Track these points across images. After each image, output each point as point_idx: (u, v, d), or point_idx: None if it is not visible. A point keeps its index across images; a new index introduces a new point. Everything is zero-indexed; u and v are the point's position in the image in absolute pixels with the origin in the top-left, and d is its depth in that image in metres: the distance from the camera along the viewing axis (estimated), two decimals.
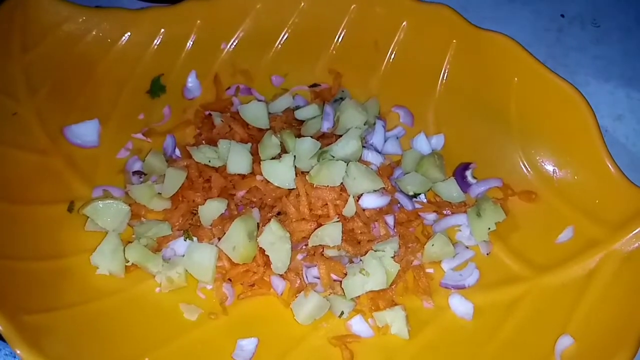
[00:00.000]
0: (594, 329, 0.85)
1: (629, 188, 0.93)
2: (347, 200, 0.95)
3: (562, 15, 1.37)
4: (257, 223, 0.94)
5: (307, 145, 0.97)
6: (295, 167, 0.96)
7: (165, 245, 0.96)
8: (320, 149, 0.98)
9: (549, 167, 1.01)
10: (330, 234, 0.92)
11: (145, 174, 1.03)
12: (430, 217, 1.01)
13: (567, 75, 1.01)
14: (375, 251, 0.91)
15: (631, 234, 0.90)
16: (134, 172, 1.03)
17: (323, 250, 0.94)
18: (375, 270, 0.88)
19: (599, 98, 1.19)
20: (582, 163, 0.98)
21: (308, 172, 0.96)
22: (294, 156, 0.97)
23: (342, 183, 0.95)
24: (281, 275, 0.93)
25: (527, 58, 1.02)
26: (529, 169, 1.03)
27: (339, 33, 1.16)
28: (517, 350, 0.87)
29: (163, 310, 0.91)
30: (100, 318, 0.88)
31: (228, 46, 1.16)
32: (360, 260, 0.92)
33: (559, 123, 1.00)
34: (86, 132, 1.06)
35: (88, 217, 0.96)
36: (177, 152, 1.07)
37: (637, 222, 0.90)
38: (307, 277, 0.94)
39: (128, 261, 0.93)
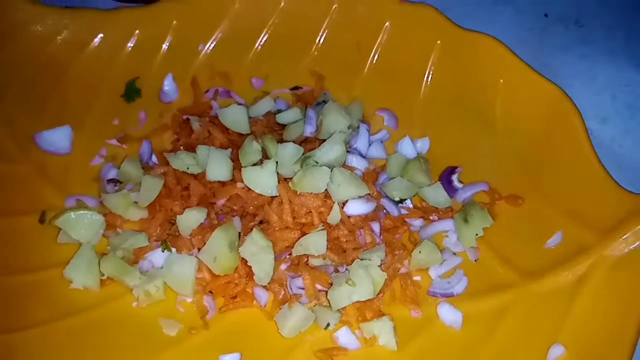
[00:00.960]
0: (586, 337, 0.83)
1: (618, 191, 0.91)
2: (331, 208, 0.92)
3: (546, 15, 1.35)
4: (239, 232, 0.91)
5: (289, 151, 0.94)
6: (278, 173, 0.92)
7: (143, 257, 0.92)
8: (303, 154, 0.95)
9: (536, 170, 0.99)
10: (314, 243, 0.89)
11: (120, 182, 0.99)
12: (417, 223, 0.99)
13: (551, 76, 1.00)
14: (361, 260, 0.88)
15: (621, 239, 0.88)
16: (109, 180, 0.99)
17: (307, 260, 0.91)
18: (362, 280, 0.86)
19: (583, 99, 1.16)
20: (569, 166, 0.96)
21: (291, 178, 0.92)
22: (276, 162, 0.93)
23: (326, 190, 0.92)
24: (264, 287, 0.90)
25: (513, 59, 1.01)
26: (515, 172, 1.01)
27: (320, 34, 1.13)
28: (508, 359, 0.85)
29: (141, 326, 0.87)
30: (73, 335, 0.84)
31: (206, 48, 1.13)
32: (346, 269, 0.89)
33: (545, 125, 0.99)
34: (58, 138, 1.02)
35: (60, 228, 0.92)
36: (154, 158, 1.03)
37: (627, 227, 0.88)
38: (291, 287, 0.90)
39: (103, 274, 0.89)
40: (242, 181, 0.93)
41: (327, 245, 0.89)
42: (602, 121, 1.19)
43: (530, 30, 1.33)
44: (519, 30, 1.32)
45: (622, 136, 1.18)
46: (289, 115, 1.04)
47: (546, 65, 1.25)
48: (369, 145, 1.04)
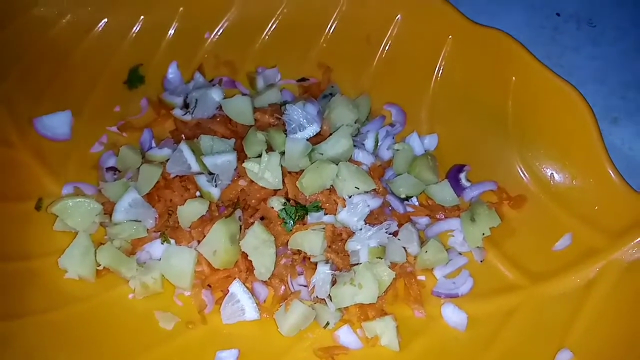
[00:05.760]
0: (594, 343, 0.81)
1: (630, 194, 0.89)
2: (335, 203, 0.89)
3: (558, 14, 1.33)
4: (240, 226, 0.88)
5: (299, 147, 0.91)
6: (282, 166, 0.90)
7: (140, 247, 0.90)
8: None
9: (547, 171, 0.97)
10: (309, 242, 0.87)
11: (119, 171, 0.96)
12: (423, 221, 0.97)
13: (562, 76, 0.97)
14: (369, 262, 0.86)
15: (632, 243, 0.86)
16: (108, 168, 0.97)
17: (310, 256, 0.88)
18: (368, 283, 0.83)
19: (594, 100, 1.13)
20: (581, 167, 0.94)
21: (296, 172, 0.90)
22: (280, 154, 0.91)
23: (331, 185, 0.90)
24: (264, 282, 0.88)
25: (526, 56, 0.98)
26: (525, 173, 0.98)
27: (329, 25, 1.10)
28: None
29: (136, 319, 0.86)
30: (67, 327, 0.82)
31: (212, 36, 1.11)
32: (352, 269, 0.86)
33: (557, 125, 0.96)
34: (57, 123, 1.00)
35: (57, 216, 0.90)
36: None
37: (639, 231, 0.86)
38: (292, 284, 0.88)
39: (99, 265, 0.87)
40: (245, 174, 0.90)
41: (326, 244, 0.87)
42: (612, 123, 1.17)
43: (541, 29, 1.31)
44: (530, 29, 1.30)
45: (632, 138, 1.15)
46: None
47: (557, 65, 1.23)
48: (379, 144, 1.01)
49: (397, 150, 1.00)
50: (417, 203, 0.98)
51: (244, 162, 0.90)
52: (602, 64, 1.26)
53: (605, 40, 1.30)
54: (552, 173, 0.97)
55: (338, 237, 0.90)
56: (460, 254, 0.94)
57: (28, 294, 0.84)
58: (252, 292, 0.87)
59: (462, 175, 1.00)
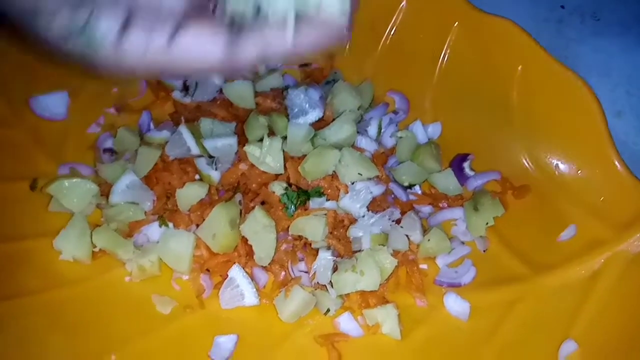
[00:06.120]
0: (599, 334, 0.80)
1: (637, 186, 0.87)
2: (338, 189, 0.88)
3: (562, 7, 1.32)
4: (240, 210, 0.86)
5: (302, 132, 0.89)
6: (284, 151, 0.88)
7: (138, 230, 0.88)
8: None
9: (552, 161, 0.95)
10: (311, 228, 0.85)
11: (116, 153, 0.94)
12: (426, 209, 0.95)
13: None
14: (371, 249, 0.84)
15: (638, 235, 0.85)
16: (105, 150, 0.95)
17: (311, 242, 0.87)
18: (370, 270, 0.82)
19: (598, 93, 1.13)
20: (587, 158, 0.93)
21: (298, 157, 0.88)
22: (282, 139, 0.89)
23: (333, 171, 0.88)
24: (264, 267, 0.86)
25: (533, 45, 0.96)
26: (530, 162, 0.97)
27: None
28: (517, 354, 0.81)
29: (133, 302, 0.84)
30: (61, 309, 0.80)
31: None
32: (354, 256, 0.85)
33: (563, 115, 0.95)
34: (54, 103, 0.98)
35: (52, 196, 0.87)
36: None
37: None
38: (292, 270, 0.86)
39: (95, 246, 0.85)
40: (246, 158, 0.89)
41: (327, 230, 0.86)
42: (616, 116, 1.16)
43: (545, 21, 1.30)
44: (535, 21, 1.29)
45: (636, 132, 1.15)
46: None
47: (561, 57, 1.21)
48: (382, 132, 1.00)
49: (401, 137, 0.99)
50: (420, 191, 0.97)
51: (244, 145, 0.89)
52: (606, 57, 1.25)
53: (609, 34, 1.29)
54: (557, 163, 0.95)
55: (340, 224, 0.89)
56: (463, 243, 0.93)
57: (22, 275, 0.81)
58: (252, 277, 0.85)
59: (466, 164, 0.98)
